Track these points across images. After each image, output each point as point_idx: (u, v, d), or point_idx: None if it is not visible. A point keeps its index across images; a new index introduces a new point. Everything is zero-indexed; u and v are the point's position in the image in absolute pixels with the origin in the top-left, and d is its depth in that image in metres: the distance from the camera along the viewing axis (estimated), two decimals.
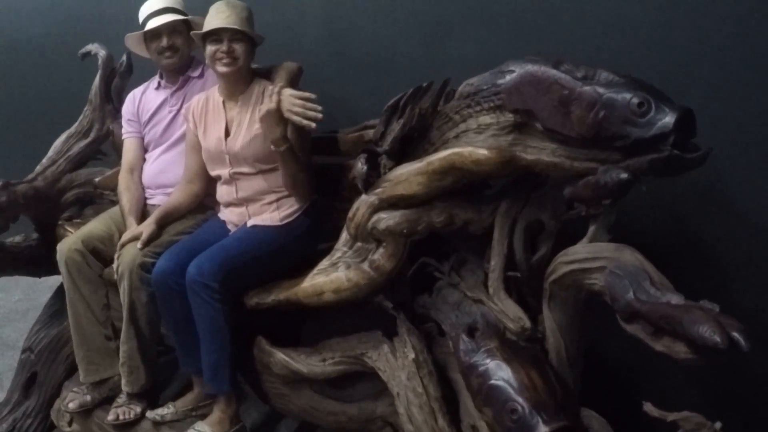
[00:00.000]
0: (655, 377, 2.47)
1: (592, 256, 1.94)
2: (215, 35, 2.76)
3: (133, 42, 3.28)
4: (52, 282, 3.04)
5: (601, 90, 1.85)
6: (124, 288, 2.81)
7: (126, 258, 2.81)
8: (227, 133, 2.86)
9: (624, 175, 1.80)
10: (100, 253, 3.01)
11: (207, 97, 2.98)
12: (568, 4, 2.76)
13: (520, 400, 1.90)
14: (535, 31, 2.85)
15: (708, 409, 1.75)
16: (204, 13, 2.85)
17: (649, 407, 1.74)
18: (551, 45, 2.72)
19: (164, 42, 3.12)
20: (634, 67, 2.04)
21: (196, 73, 3.24)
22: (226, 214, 2.96)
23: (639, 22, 2.57)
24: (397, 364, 2.37)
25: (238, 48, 2.77)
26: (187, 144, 3.04)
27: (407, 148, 2.39)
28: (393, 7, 3.33)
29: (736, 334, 1.54)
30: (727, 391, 2.52)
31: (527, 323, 2.17)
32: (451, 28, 3.13)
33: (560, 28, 2.78)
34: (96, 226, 3.11)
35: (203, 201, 3.08)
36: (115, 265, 2.86)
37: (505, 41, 2.93)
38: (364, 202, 2.42)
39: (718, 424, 1.67)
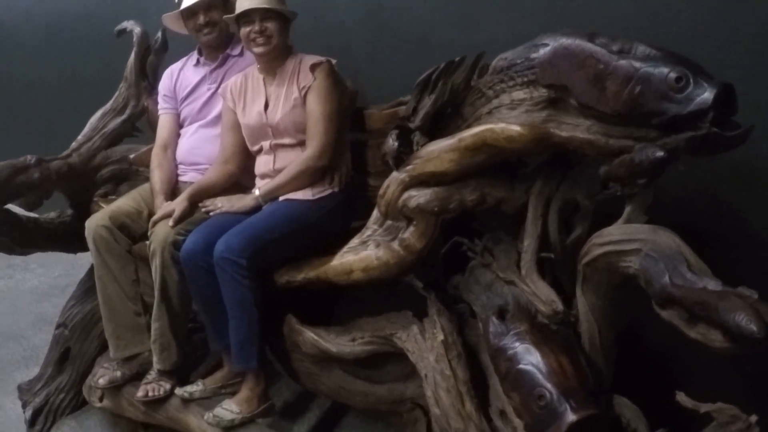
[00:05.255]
0: (694, 364, 2.39)
1: (627, 237, 1.88)
2: (247, 16, 2.81)
3: (170, 21, 3.28)
4: (91, 258, 3.05)
5: (637, 64, 1.79)
6: (156, 266, 2.81)
7: (158, 236, 2.80)
8: (266, 107, 2.89)
9: (659, 154, 1.74)
10: (128, 229, 3.01)
11: (245, 75, 3.02)
12: None
13: (548, 386, 1.86)
14: (572, 7, 2.77)
15: (749, 400, 1.69)
16: None
17: (681, 397, 1.70)
18: (588, 21, 2.64)
19: (201, 19, 3.11)
20: (672, 42, 1.96)
21: (236, 52, 3.23)
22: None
23: None
24: (425, 345, 2.33)
25: (271, 26, 2.80)
26: (225, 123, 3.06)
27: (440, 125, 2.34)
28: None
29: None
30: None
31: (559, 306, 2.12)
32: (487, 3, 3.06)
33: (596, 4, 2.70)
34: (125, 202, 3.11)
35: (239, 180, 3.05)
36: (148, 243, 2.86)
37: (543, 15, 2.86)
38: (394, 179, 2.38)
39: (753, 417, 1.60)
